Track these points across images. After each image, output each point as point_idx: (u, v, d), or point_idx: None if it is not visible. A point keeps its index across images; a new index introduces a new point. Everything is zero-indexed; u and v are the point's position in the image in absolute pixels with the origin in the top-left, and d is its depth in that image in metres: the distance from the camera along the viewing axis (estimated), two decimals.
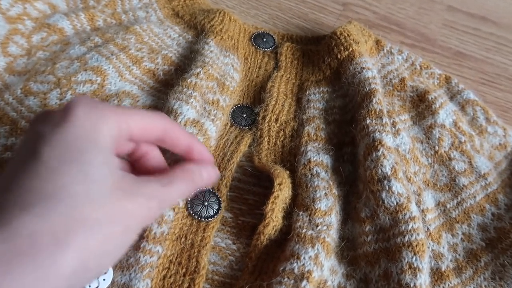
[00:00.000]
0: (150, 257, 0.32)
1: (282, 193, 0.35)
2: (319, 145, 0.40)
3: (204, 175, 0.31)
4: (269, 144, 0.41)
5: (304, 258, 0.31)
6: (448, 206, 0.39)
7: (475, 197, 0.39)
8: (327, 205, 0.35)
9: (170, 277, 0.32)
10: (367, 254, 0.35)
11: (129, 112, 0.27)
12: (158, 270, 0.32)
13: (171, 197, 0.28)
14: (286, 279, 0.30)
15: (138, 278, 0.31)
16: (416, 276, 0.31)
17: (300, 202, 0.35)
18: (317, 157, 0.38)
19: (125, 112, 0.27)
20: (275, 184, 0.35)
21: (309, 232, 0.33)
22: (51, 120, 0.24)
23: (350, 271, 0.34)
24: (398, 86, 0.46)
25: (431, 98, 0.44)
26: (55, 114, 0.25)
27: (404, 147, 0.41)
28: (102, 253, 0.23)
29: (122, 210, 0.24)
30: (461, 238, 0.37)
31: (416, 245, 0.32)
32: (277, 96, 0.44)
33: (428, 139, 0.42)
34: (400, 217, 0.34)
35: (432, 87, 0.46)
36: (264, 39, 0.50)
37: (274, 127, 0.42)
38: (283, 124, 0.42)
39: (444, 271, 0.35)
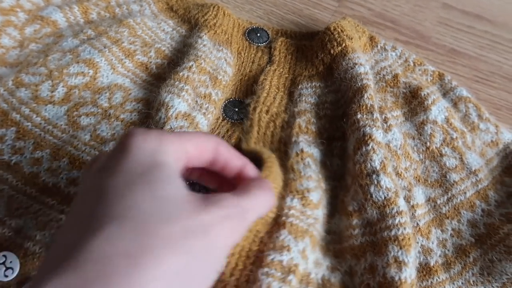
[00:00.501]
0: None
1: (276, 166, 0.33)
2: (309, 138, 0.40)
3: None
4: (258, 134, 0.40)
5: (294, 251, 0.31)
6: (438, 202, 0.39)
7: (465, 193, 0.39)
8: (317, 198, 0.35)
9: None
10: (353, 247, 0.35)
11: (186, 136, 0.26)
12: None
13: (251, 206, 0.25)
14: (273, 270, 0.30)
15: None
16: (401, 269, 0.31)
17: (294, 187, 0.34)
18: (309, 149, 0.38)
19: (182, 135, 0.25)
20: (264, 158, 0.33)
21: (301, 224, 0.32)
22: (109, 157, 0.23)
23: (335, 264, 0.34)
24: (391, 82, 0.46)
25: (424, 95, 0.44)
26: (111, 153, 0.24)
27: (396, 142, 0.41)
28: (186, 272, 0.20)
29: (198, 222, 0.21)
30: (451, 234, 0.37)
31: (402, 239, 0.33)
32: (269, 89, 0.44)
33: (420, 135, 0.42)
34: (388, 212, 0.34)
35: (425, 84, 0.46)
36: (258, 34, 0.50)
37: (264, 118, 0.41)
38: (274, 116, 0.42)
39: (433, 266, 0.35)
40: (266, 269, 0.29)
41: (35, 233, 0.33)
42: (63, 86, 0.40)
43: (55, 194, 0.35)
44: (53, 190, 0.35)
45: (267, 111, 0.42)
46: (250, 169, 0.29)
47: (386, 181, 0.35)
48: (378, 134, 0.37)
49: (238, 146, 0.39)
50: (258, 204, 0.26)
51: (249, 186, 0.26)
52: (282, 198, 0.34)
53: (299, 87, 0.44)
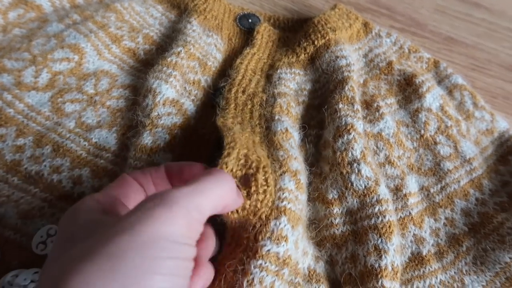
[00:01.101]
0: None
1: (235, 151, 0.29)
2: (289, 120, 0.39)
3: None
4: (235, 110, 0.38)
5: (291, 241, 0.29)
6: (431, 190, 0.38)
7: (459, 182, 0.39)
8: (305, 181, 0.34)
9: None
10: (334, 236, 0.34)
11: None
12: None
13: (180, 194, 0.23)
14: (268, 263, 0.28)
15: None
16: (381, 257, 0.31)
17: (287, 165, 0.32)
18: (292, 130, 0.37)
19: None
20: (225, 143, 0.30)
21: (296, 211, 0.30)
22: None
23: (316, 253, 0.34)
24: (385, 70, 0.45)
25: (418, 82, 0.43)
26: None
27: (388, 131, 0.40)
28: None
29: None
30: (444, 223, 0.37)
31: (382, 227, 0.32)
32: (244, 72, 0.42)
33: (414, 123, 0.42)
34: (368, 200, 0.34)
35: (420, 71, 0.45)
36: (250, 20, 0.49)
37: (241, 97, 0.40)
38: (251, 95, 0.40)
39: (425, 256, 0.34)
40: (260, 262, 0.27)
41: (17, 221, 0.32)
42: (47, 72, 0.38)
43: (38, 182, 0.34)
44: (35, 178, 0.34)
45: (243, 91, 0.40)
46: (194, 168, 0.28)
47: (366, 170, 0.35)
48: (358, 125, 0.37)
49: (214, 123, 0.36)
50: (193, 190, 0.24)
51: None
52: (277, 177, 0.31)
53: (278, 71, 0.43)
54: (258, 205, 0.29)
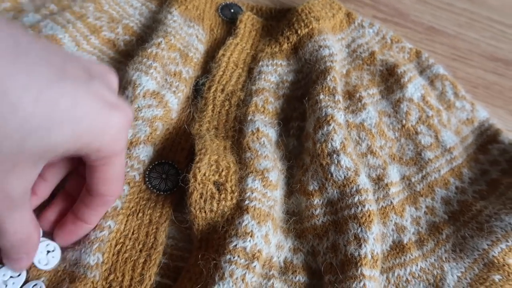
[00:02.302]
0: (100, 232, 0.31)
1: (206, 156, 0.33)
2: (265, 118, 0.39)
3: None
4: (213, 112, 0.39)
5: (257, 236, 0.30)
6: (413, 180, 0.39)
7: (439, 171, 0.39)
8: (276, 178, 0.34)
9: (125, 252, 0.31)
10: (315, 227, 0.34)
11: None
12: (111, 244, 0.31)
13: None
14: (236, 257, 0.29)
15: (88, 253, 0.30)
16: (360, 246, 0.31)
17: (253, 166, 0.34)
18: (265, 129, 0.38)
19: None
20: (197, 150, 0.33)
21: (263, 207, 0.32)
22: None
23: (297, 245, 0.34)
24: (367, 60, 0.45)
25: (400, 72, 0.44)
26: None
27: (370, 121, 0.40)
28: None
29: None
30: (425, 211, 0.37)
31: (362, 217, 0.33)
32: (226, 66, 0.42)
33: (396, 113, 0.42)
34: (348, 191, 0.34)
35: (402, 61, 0.46)
36: (232, 10, 0.48)
37: (219, 96, 0.40)
38: (229, 94, 0.41)
39: (406, 244, 0.35)
40: (228, 256, 0.29)
41: None
42: None
43: None
44: None
45: (222, 90, 0.41)
46: None
47: (346, 160, 0.35)
48: (339, 116, 0.37)
49: (189, 126, 0.38)
50: None
51: None
52: (241, 178, 0.33)
53: (260, 63, 0.43)
54: (225, 209, 0.32)
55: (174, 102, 0.38)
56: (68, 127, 0.22)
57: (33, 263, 0.30)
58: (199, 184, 0.32)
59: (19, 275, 0.29)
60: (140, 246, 0.32)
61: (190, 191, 0.32)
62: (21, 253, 0.28)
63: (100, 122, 0.24)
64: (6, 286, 0.29)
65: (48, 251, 0.30)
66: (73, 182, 0.31)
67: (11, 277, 0.29)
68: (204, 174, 0.32)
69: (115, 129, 0.25)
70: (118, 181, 0.29)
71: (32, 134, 0.21)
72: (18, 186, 0.23)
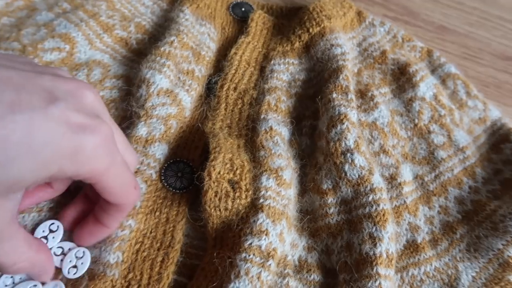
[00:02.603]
0: (121, 231, 0.31)
1: (221, 155, 0.33)
2: (278, 116, 0.39)
3: None
4: (226, 110, 0.39)
5: (272, 235, 0.30)
6: (426, 179, 0.39)
7: (452, 170, 0.39)
8: (289, 177, 0.34)
9: (143, 251, 0.31)
10: (329, 226, 0.34)
11: None
12: (131, 243, 0.31)
13: None
14: (252, 255, 0.29)
15: (108, 251, 0.30)
16: (375, 245, 0.31)
17: (267, 165, 0.34)
18: (278, 127, 0.38)
19: None
20: (211, 148, 0.33)
21: (278, 206, 0.32)
22: None
23: (311, 244, 0.34)
24: (379, 59, 0.45)
25: (412, 71, 0.43)
26: None
27: (382, 120, 0.40)
28: None
29: None
30: (438, 211, 0.37)
31: (376, 216, 0.32)
32: (238, 65, 0.42)
33: (408, 112, 0.42)
34: (362, 190, 0.34)
35: (413, 60, 0.45)
36: (243, 9, 0.48)
37: (232, 95, 0.40)
38: (242, 93, 0.41)
39: (420, 243, 0.35)
40: (244, 255, 0.29)
41: None
42: (38, 62, 0.38)
43: None
44: None
45: (235, 88, 0.41)
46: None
47: (360, 159, 0.35)
48: (352, 114, 0.37)
49: (202, 124, 0.38)
50: None
51: None
52: (256, 177, 0.33)
53: (272, 62, 0.43)
54: (240, 208, 0.32)
55: (188, 100, 0.38)
56: (26, 159, 0.21)
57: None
58: (214, 182, 0.32)
59: None
60: (158, 244, 0.32)
61: (205, 189, 0.32)
62: (35, 275, 0.28)
63: (66, 147, 0.22)
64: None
65: (77, 257, 0.31)
66: (89, 186, 0.31)
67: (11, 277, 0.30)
68: (219, 173, 0.32)
69: (88, 151, 0.23)
70: (123, 191, 0.28)
71: None
72: None
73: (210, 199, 0.32)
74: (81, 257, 0.31)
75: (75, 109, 0.23)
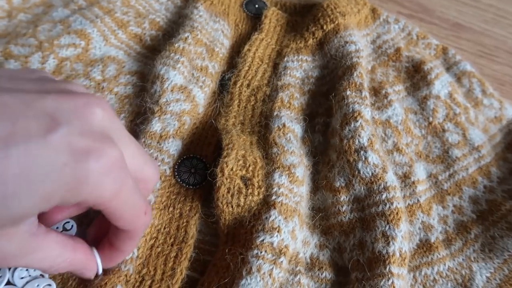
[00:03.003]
0: None
1: (234, 151, 0.33)
2: (291, 113, 0.39)
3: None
4: (239, 107, 0.39)
5: (284, 232, 0.30)
6: (440, 178, 0.38)
7: (467, 169, 0.39)
8: (302, 174, 0.34)
9: (157, 246, 0.32)
10: (341, 224, 0.34)
11: None
12: (145, 239, 0.31)
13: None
14: (263, 252, 0.29)
15: None
16: (388, 244, 0.31)
17: (279, 162, 0.34)
18: (291, 124, 0.37)
19: None
20: (224, 145, 0.33)
21: (290, 203, 0.32)
22: None
23: (323, 241, 0.34)
24: (393, 56, 0.45)
25: (427, 69, 0.43)
26: None
27: (396, 118, 0.40)
28: None
29: None
30: (452, 210, 0.37)
31: (390, 214, 0.32)
32: (251, 62, 0.42)
33: (422, 110, 0.41)
34: (375, 188, 0.34)
35: (428, 58, 0.45)
36: (256, 5, 0.48)
37: (245, 92, 0.40)
38: (255, 90, 0.41)
39: (433, 243, 0.35)
40: (256, 251, 0.29)
41: None
42: (54, 58, 0.38)
43: None
44: None
45: (248, 85, 0.41)
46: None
47: (373, 157, 0.34)
48: (366, 112, 0.37)
49: (215, 120, 0.38)
50: None
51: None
52: (268, 174, 0.33)
53: (285, 59, 0.43)
54: (252, 204, 0.32)
55: (201, 96, 0.38)
56: (25, 194, 0.20)
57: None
58: (226, 178, 0.32)
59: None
60: (172, 240, 0.32)
61: (217, 185, 0.32)
62: (78, 273, 0.28)
63: (69, 176, 0.20)
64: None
65: None
66: None
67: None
68: (232, 169, 0.32)
69: (95, 177, 0.21)
70: (132, 217, 0.26)
71: None
72: (10, 244, 0.22)
73: (223, 195, 0.32)
74: (69, 229, 0.31)
75: (79, 133, 0.21)
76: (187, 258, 0.31)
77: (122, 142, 0.24)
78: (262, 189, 0.32)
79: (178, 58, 0.38)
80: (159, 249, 0.31)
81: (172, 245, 0.32)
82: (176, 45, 0.39)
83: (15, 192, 0.19)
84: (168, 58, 0.38)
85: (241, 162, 0.33)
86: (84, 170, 0.21)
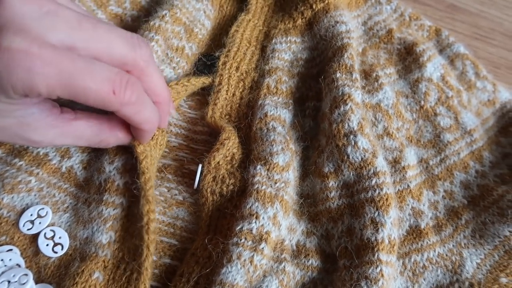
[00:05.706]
0: (114, 209, 0.31)
1: (225, 147, 0.33)
2: (278, 99, 0.38)
3: None
4: (227, 94, 0.38)
5: (263, 218, 0.30)
6: (431, 163, 0.37)
7: (459, 153, 0.38)
8: (285, 160, 0.33)
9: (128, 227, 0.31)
10: (330, 210, 0.33)
11: None
12: (123, 222, 0.31)
13: None
14: (243, 239, 0.29)
15: (100, 231, 0.30)
16: (377, 230, 0.30)
17: (256, 155, 0.34)
18: (274, 111, 0.36)
19: None
20: (221, 138, 0.34)
21: (269, 190, 0.31)
22: None
23: (310, 228, 0.33)
24: (384, 38, 0.43)
25: (419, 51, 0.42)
26: None
27: (387, 102, 0.39)
28: None
29: None
30: (443, 196, 0.36)
31: (379, 200, 0.31)
32: (240, 43, 0.41)
33: (414, 93, 0.40)
34: (364, 173, 0.33)
35: (421, 39, 0.44)
36: None
37: (234, 75, 0.39)
38: (243, 74, 0.39)
39: (423, 229, 0.34)
40: (235, 239, 0.29)
41: (2, 196, 0.31)
42: None
43: (24, 155, 0.33)
44: (21, 151, 0.33)
45: (237, 68, 0.39)
46: None
47: (363, 141, 0.33)
48: (356, 95, 0.35)
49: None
50: None
51: None
52: (247, 166, 0.33)
53: (273, 41, 0.41)
54: (234, 195, 0.32)
55: (173, 78, 0.37)
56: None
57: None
58: (213, 168, 0.32)
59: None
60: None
61: (204, 173, 0.32)
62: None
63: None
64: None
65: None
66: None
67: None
68: (218, 163, 0.33)
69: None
70: (97, 96, 0.26)
71: None
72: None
73: (208, 182, 0.32)
74: (43, 216, 0.31)
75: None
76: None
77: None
78: (243, 182, 0.33)
79: (153, 36, 0.36)
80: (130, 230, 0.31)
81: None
82: (152, 22, 0.37)
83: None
84: (142, 36, 0.36)
85: (228, 158, 0.34)
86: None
